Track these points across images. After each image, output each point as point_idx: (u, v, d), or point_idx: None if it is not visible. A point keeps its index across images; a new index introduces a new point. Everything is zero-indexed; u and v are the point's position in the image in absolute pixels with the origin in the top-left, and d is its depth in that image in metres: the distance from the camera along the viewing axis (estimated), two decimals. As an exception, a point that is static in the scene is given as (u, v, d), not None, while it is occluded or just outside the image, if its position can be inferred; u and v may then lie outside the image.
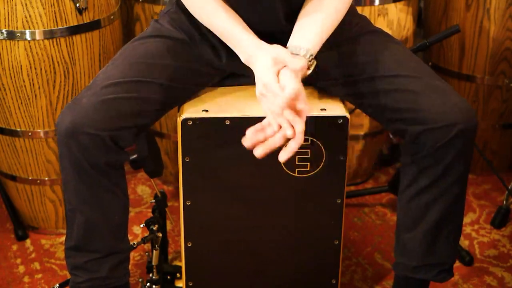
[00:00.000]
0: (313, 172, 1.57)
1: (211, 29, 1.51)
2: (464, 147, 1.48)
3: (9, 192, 2.24)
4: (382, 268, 2.06)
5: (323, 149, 1.51)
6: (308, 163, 1.55)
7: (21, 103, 2.00)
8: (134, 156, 1.73)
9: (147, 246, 1.98)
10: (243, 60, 1.48)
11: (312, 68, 1.45)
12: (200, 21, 1.52)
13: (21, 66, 1.94)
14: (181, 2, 1.60)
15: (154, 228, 1.81)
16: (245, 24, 1.49)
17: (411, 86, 1.48)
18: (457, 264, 2.07)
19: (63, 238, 2.08)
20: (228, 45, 1.49)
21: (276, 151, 1.54)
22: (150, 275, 1.85)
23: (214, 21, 1.49)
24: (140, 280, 1.91)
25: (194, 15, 1.52)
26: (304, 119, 1.36)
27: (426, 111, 1.45)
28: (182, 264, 1.67)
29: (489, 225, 2.26)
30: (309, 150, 1.54)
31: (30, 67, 1.95)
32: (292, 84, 1.36)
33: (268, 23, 1.52)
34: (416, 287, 1.68)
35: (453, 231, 1.61)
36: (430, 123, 1.45)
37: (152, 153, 1.71)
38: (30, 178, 2.13)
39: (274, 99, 1.36)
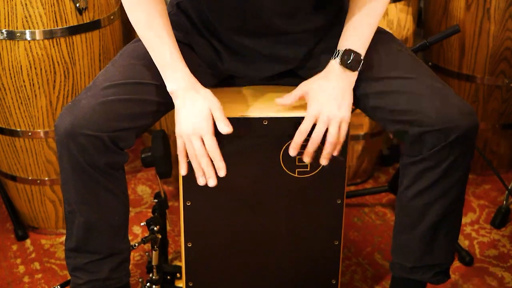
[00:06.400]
0: (313, 173, 1.57)
1: (147, 43, 1.49)
2: (464, 150, 1.48)
3: (9, 192, 2.24)
4: (382, 268, 2.06)
5: (323, 149, 1.51)
6: (308, 164, 1.55)
7: (21, 103, 2.00)
8: (148, 154, 1.72)
9: (147, 246, 1.98)
10: (170, 88, 1.48)
11: (348, 63, 1.48)
12: (140, 34, 1.50)
13: (21, 66, 1.94)
14: (182, 4, 1.60)
15: (155, 228, 1.81)
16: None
17: (412, 88, 1.48)
18: (457, 264, 2.07)
19: (63, 238, 2.08)
20: (158, 65, 1.48)
21: (274, 151, 1.55)
22: (150, 275, 1.85)
23: (156, 40, 1.48)
24: (140, 280, 1.91)
25: (136, 29, 1.50)
26: None
27: (427, 113, 1.45)
28: (182, 264, 1.67)
29: (489, 225, 2.26)
30: (313, 154, 1.53)
31: (30, 67, 1.95)
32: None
33: (261, 24, 1.52)
34: None
35: (451, 232, 1.61)
36: (431, 125, 1.45)
37: (166, 154, 1.71)
38: (30, 178, 2.13)
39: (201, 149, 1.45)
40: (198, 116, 1.45)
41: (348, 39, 1.50)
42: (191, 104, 1.46)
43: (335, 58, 1.49)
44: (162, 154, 1.69)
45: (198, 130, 1.45)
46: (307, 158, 1.50)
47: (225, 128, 1.45)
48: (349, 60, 1.47)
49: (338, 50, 1.49)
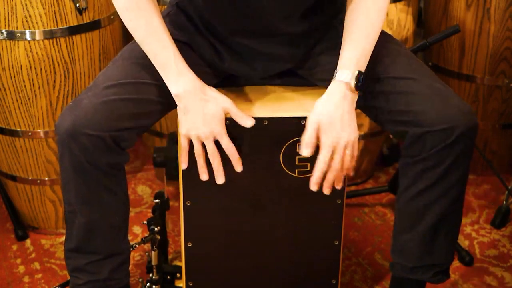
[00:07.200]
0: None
1: (145, 49, 1.48)
2: (464, 150, 1.48)
3: (9, 192, 2.24)
4: (382, 268, 2.06)
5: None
6: (308, 164, 1.55)
7: (21, 103, 2.00)
8: (161, 154, 1.72)
9: (147, 246, 1.98)
10: (175, 91, 1.47)
11: (358, 85, 1.46)
12: (139, 39, 1.49)
13: (21, 66, 1.94)
14: (181, 3, 1.60)
15: (155, 229, 1.81)
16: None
17: (412, 88, 1.48)
18: (457, 264, 2.07)
19: (63, 238, 2.08)
20: (160, 71, 1.47)
21: (274, 151, 1.55)
22: (150, 275, 1.85)
23: (157, 45, 1.47)
24: (140, 280, 1.91)
25: (135, 34, 1.49)
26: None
27: (427, 113, 1.45)
28: (182, 264, 1.67)
29: (489, 225, 2.26)
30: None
31: (30, 67, 1.95)
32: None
33: (260, 24, 1.51)
34: None
35: (451, 232, 1.61)
36: (431, 125, 1.45)
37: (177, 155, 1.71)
38: (30, 178, 2.13)
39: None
40: (212, 119, 1.46)
41: (353, 58, 1.46)
42: (201, 107, 1.46)
43: (339, 78, 1.45)
44: (176, 156, 1.69)
45: (214, 133, 1.46)
46: (327, 190, 1.48)
47: (248, 122, 1.48)
48: (360, 83, 1.45)
49: (345, 71, 1.45)
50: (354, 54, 1.47)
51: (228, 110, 1.48)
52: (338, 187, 1.49)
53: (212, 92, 1.49)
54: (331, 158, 1.45)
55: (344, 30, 1.50)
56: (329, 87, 1.47)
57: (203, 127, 1.46)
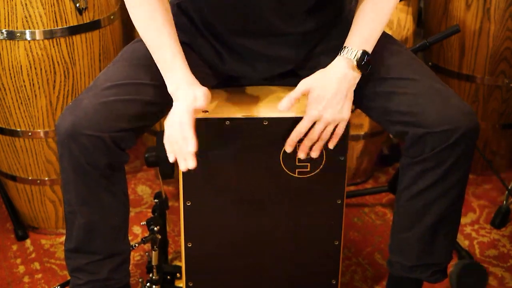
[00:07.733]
0: (313, 173, 1.57)
1: (148, 44, 1.49)
2: (465, 151, 1.48)
3: (9, 192, 2.24)
4: (382, 268, 2.06)
5: (323, 149, 1.51)
6: (308, 164, 1.55)
7: (21, 103, 2.00)
8: (152, 154, 1.72)
9: (147, 246, 1.98)
10: (170, 90, 1.46)
11: (361, 65, 1.47)
12: (140, 33, 1.50)
13: (21, 66, 1.94)
14: (182, 4, 1.60)
15: (155, 228, 1.81)
16: (183, 53, 1.48)
17: (413, 89, 1.48)
18: (457, 264, 2.07)
19: (63, 238, 2.08)
20: (159, 67, 1.47)
21: (274, 151, 1.55)
22: (150, 275, 1.86)
23: (157, 41, 1.47)
24: (140, 280, 1.91)
25: (137, 28, 1.50)
26: None
27: (428, 114, 1.45)
28: (182, 264, 1.67)
29: (489, 225, 2.26)
30: (309, 150, 1.54)
31: (30, 67, 1.95)
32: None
33: (261, 25, 1.51)
34: (410, 287, 1.69)
35: (450, 232, 1.61)
36: (431, 126, 1.45)
37: None
38: (30, 178, 2.13)
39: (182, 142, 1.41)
40: (183, 112, 1.43)
41: (360, 38, 1.48)
42: (182, 102, 1.45)
43: (343, 55, 1.47)
44: (167, 154, 1.69)
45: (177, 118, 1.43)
46: (302, 154, 1.50)
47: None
48: (363, 62, 1.46)
49: (350, 48, 1.47)
50: (362, 34, 1.48)
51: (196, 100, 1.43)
52: (314, 155, 1.50)
53: (199, 89, 1.45)
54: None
55: (355, 16, 1.51)
56: (333, 61, 1.49)
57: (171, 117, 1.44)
